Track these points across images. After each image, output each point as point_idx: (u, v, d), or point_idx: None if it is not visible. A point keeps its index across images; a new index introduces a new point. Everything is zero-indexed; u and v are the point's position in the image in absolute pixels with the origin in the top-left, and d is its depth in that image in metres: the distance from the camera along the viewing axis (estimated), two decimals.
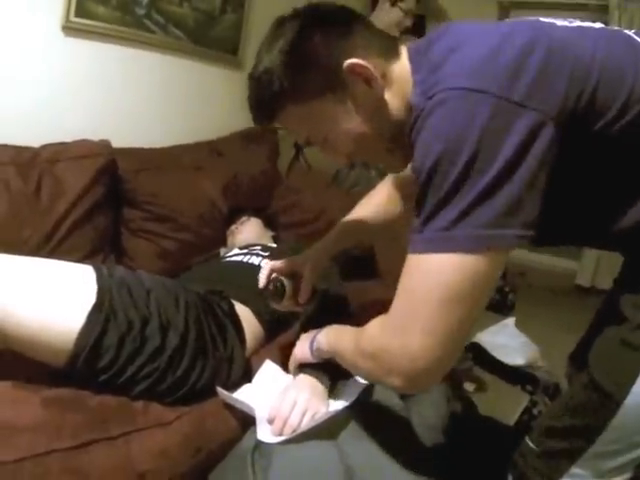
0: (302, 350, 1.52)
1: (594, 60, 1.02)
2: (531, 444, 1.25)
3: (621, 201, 1.08)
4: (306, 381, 1.51)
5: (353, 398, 1.46)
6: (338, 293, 1.89)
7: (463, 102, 0.96)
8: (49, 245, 2.24)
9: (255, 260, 2.17)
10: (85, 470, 1.26)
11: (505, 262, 1.01)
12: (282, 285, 1.55)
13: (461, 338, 1.04)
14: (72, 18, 2.63)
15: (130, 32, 2.93)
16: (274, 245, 2.46)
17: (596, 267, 5.02)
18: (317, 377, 1.52)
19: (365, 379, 1.37)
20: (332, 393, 1.53)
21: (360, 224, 1.70)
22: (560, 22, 1.12)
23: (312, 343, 1.47)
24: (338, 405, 1.44)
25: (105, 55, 2.86)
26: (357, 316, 1.81)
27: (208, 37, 3.34)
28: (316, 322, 1.55)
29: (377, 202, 1.71)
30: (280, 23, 1.20)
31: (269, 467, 1.27)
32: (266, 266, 1.61)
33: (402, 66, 1.19)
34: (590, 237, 1.23)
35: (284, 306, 1.60)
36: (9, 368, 1.43)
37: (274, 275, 1.58)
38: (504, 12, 5.16)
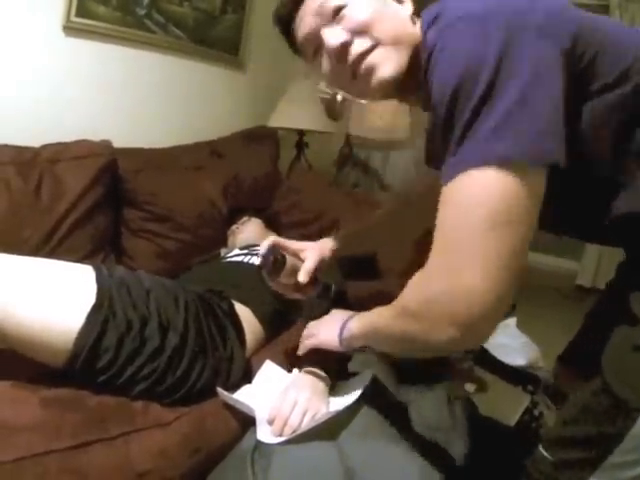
0: (329, 334, 1.43)
1: (599, 29, 0.99)
2: (545, 453, 1.23)
3: (612, 188, 1.04)
4: (307, 380, 1.50)
5: (354, 398, 1.45)
6: (342, 290, 1.89)
7: (476, 21, 0.92)
8: (49, 245, 2.25)
9: (256, 260, 2.15)
10: (84, 470, 1.26)
11: (544, 188, 0.92)
12: (283, 258, 1.50)
13: (515, 268, 0.92)
14: (73, 18, 2.65)
15: (131, 32, 2.94)
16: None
17: (597, 267, 5.02)
18: (318, 376, 1.52)
19: (408, 349, 1.18)
20: (333, 392, 1.52)
21: (375, 234, 1.67)
22: None
23: (342, 330, 1.37)
24: (339, 405, 1.44)
25: (106, 55, 2.86)
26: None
27: (209, 37, 3.35)
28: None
29: (387, 212, 1.68)
30: None
31: (269, 467, 1.27)
32: (270, 239, 1.57)
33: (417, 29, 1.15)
34: (587, 226, 1.17)
35: (280, 284, 1.55)
36: (8, 368, 1.43)
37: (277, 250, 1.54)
38: None
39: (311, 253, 1.55)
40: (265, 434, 1.37)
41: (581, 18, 0.98)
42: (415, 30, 1.13)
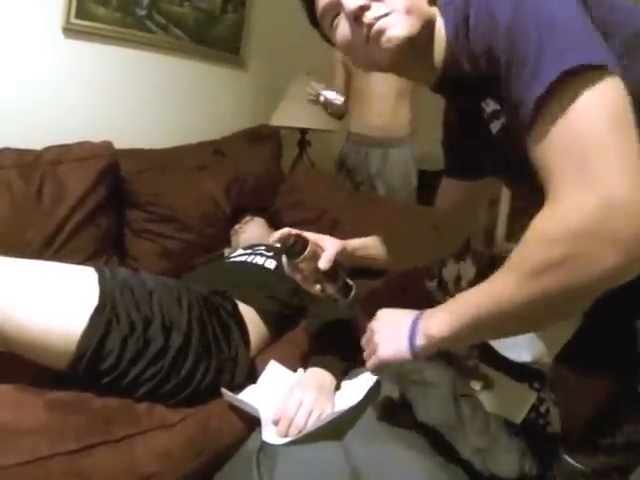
0: (394, 347, 1.15)
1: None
2: (574, 463, 1.21)
3: None
4: (312, 380, 1.50)
5: (360, 397, 1.45)
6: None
7: None
8: (52, 247, 2.24)
9: (259, 260, 2.15)
10: (88, 473, 1.25)
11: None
12: (304, 241, 1.43)
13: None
14: (72, 20, 2.65)
15: (131, 33, 2.94)
16: (278, 245, 2.45)
17: None
18: (323, 376, 1.51)
19: (551, 317, 0.93)
20: (338, 392, 1.52)
21: (394, 243, 1.59)
22: None
23: (413, 340, 1.11)
24: (344, 404, 1.43)
25: (106, 56, 2.87)
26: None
27: (209, 36, 3.34)
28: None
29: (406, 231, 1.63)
30: None
31: (274, 468, 1.26)
32: (286, 229, 1.49)
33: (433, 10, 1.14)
34: None
35: (299, 272, 1.45)
36: (12, 371, 1.43)
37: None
38: None
39: (331, 243, 1.49)
40: (270, 435, 1.36)
41: None
42: (430, 10, 1.12)
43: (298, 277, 1.47)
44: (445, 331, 1.04)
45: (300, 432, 1.35)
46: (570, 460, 1.24)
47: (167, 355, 1.47)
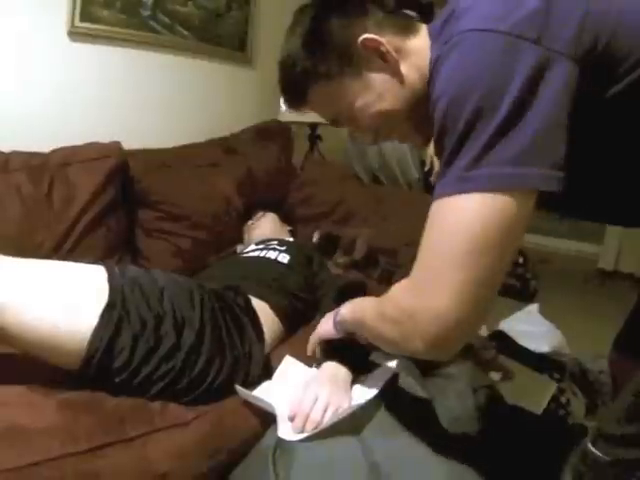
0: (325, 325, 1.52)
1: (610, 10, 0.97)
2: (598, 453, 1.19)
3: None
4: (328, 375, 1.48)
5: (376, 391, 1.42)
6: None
7: (470, 42, 0.94)
8: (63, 249, 2.25)
9: (272, 254, 2.14)
10: (102, 473, 1.23)
11: (532, 210, 0.94)
12: (337, 236, 1.51)
13: (489, 294, 0.96)
14: (77, 23, 2.67)
15: (136, 34, 2.95)
16: (291, 239, 2.43)
17: (619, 250, 4.95)
18: (339, 370, 1.49)
19: (387, 348, 1.24)
20: (354, 386, 1.49)
21: None
22: None
23: (336, 315, 1.45)
24: (361, 399, 1.41)
25: (112, 58, 2.88)
26: None
27: (215, 35, 3.35)
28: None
29: None
30: (300, 10, 1.27)
31: (291, 465, 1.24)
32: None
33: (420, 41, 1.19)
34: (618, 210, 1.17)
35: (337, 262, 1.61)
36: (24, 371, 1.42)
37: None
38: None
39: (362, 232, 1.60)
40: (286, 431, 1.34)
41: (587, 2, 0.97)
42: (410, 74, 1.19)
43: (340, 272, 1.58)
44: (347, 318, 1.39)
45: (316, 427, 1.33)
46: (595, 451, 1.21)
47: (179, 353, 1.45)
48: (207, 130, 3.21)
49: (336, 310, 1.46)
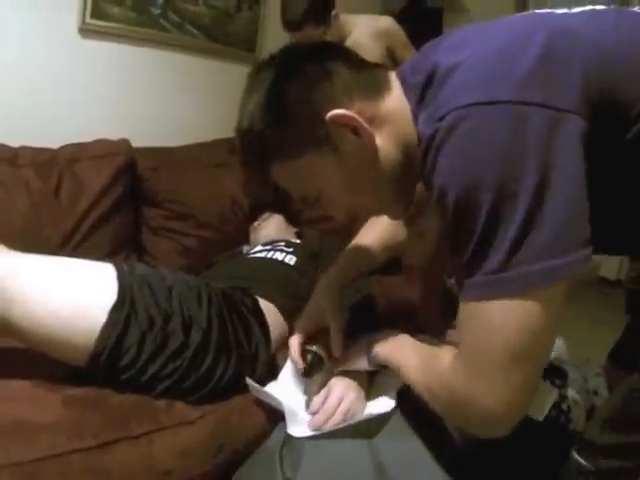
0: (357, 361, 1.40)
1: (611, 46, 0.91)
2: (583, 462, 1.19)
3: None
4: (350, 382, 1.46)
5: (393, 405, 1.40)
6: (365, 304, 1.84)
7: (473, 122, 0.86)
8: (70, 245, 2.26)
9: (279, 256, 2.13)
10: (107, 470, 1.24)
11: (565, 291, 0.89)
12: (316, 356, 1.42)
13: (533, 389, 0.94)
14: (88, 20, 2.68)
15: (146, 32, 2.96)
16: (298, 241, 2.42)
17: (621, 259, 4.92)
18: (359, 378, 1.47)
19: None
20: (370, 393, 1.48)
21: (366, 253, 1.56)
22: (559, 11, 1.03)
23: (369, 355, 1.36)
24: (376, 409, 1.39)
25: (122, 55, 2.89)
26: (382, 313, 1.82)
27: (225, 35, 3.34)
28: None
29: (380, 228, 1.57)
30: (256, 71, 1.13)
31: (298, 464, 1.23)
32: (293, 344, 1.44)
33: (394, 99, 1.10)
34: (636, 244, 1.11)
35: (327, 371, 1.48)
36: (30, 367, 1.42)
37: (305, 347, 1.44)
38: (521, 2, 5.05)
39: (330, 318, 1.43)
40: (296, 429, 1.33)
41: (585, 44, 0.91)
42: (383, 145, 1.09)
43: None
44: (382, 359, 1.32)
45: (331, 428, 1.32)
46: (579, 458, 1.22)
47: (186, 351, 1.45)
48: (215, 129, 3.21)
49: (368, 347, 1.37)
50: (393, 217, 1.32)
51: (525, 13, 1.06)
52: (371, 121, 1.06)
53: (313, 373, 1.42)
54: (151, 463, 1.29)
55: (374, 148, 1.08)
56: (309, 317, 1.48)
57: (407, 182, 1.14)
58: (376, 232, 1.57)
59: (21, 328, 1.33)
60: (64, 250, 2.21)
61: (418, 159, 1.00)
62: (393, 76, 1.13)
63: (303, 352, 1.42)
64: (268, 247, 2.26)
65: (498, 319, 0.87)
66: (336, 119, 1.03)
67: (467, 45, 0.96)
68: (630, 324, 1.36)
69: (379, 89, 1.09)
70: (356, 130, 1.05)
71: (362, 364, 1.39)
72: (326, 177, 1.11)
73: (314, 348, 1.42)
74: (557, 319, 0.90)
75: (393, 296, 2.06)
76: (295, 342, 1.42)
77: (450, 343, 1.09)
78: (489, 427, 0.96)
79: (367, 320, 1.65)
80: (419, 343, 1.22)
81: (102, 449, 1.25)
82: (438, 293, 2.46)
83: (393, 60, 3.17)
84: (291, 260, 2.10)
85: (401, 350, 1.26)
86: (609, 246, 1.06)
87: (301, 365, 1.40)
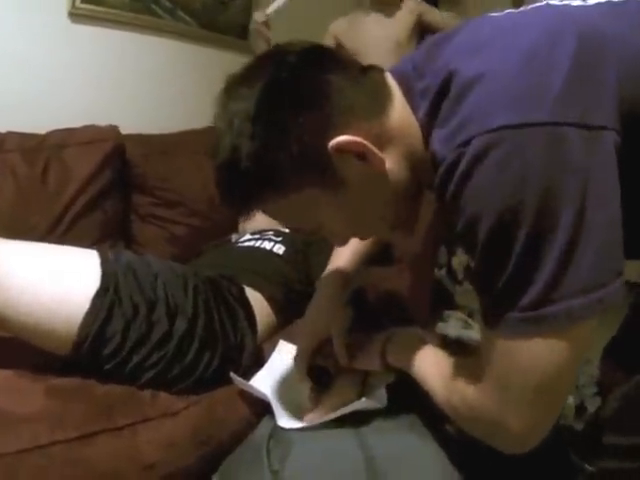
0: (369, 361, 1.32)
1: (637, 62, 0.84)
2: (583, 464, 1.17)
3: None
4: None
5: (385, 402, 1.37)
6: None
7: (507, 148, 0.77)
8: (57, 232, 2.24)
9: (267, 245, 2.11)
10: (90, 461, 1.21)
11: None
12: (322, 371, 1.38)
13: (560, 407, 0.92)
14: (78, 4, 2.64)
15: (137, 17, 2.92)
16: (287, 230, 2.40)
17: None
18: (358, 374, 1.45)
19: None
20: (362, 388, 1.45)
21: (360, 247, 1.48)
22: (575, 3, 0.93)
23: (383, 355, 1.28)
24: (366, 404, 1.36)
25: (112, 41, 2.85)
26: (373, 304, 1.78)
27: (218, 22, 3.32)
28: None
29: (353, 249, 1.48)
30: (234, 87, 0.98)
31: (286, 456, 1.21)
32: (299, 363, 1.36)
33: (398, 110, 0.99)
34: None
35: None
36: (13, 356, 1.40)
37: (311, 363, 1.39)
38: None
39: (333, 329, 1.35)
40: (284, 420, 1.31)
41: (616, 47, 0.83)
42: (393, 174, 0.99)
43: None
44: (393, 362, 1.25)
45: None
46: (578, 460, 1.21)
47: (171, 340, 1.43)
48: (206, 117, 3.17)
49: (380, 347, 1.29)
50: (394, 240, 1.26)
51: (539, 5, 0.94)
52: (378, 142, 0.95)
53: (322, 388, 1.37)
54: (135, 455, 1.27)
55: (384, 174, 0.98)
56: (311, 329, 1.38)
57: (416, 204, 1.09)
58: (350, 254, 1.50)
59: (4, 316, 1.30)
60: (51, 237, 2.18)
61: (428, 177, 0.94)
62: (390, 79, 1.02)
63: (310, 369, 1.37)
64: (257, 236, 2.24)
65: (532, 356, 0.83)
66: (341, 146, 0.91)
67: (486, 49, 0.86)
68: (629, 320, 1.34)
69: (382, 101, 0.98)
70: (363, 156, 0.94)
71: (373, 365, 1.32)
72: (328, 211, 1.00)
73: (320, 362, 1.38)
74: (587, 348, 0.87)
75: (384, 287, 2.04)
76: (300, 365, 1.35)
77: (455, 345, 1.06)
78: (512, 447, 0.94)
79: (359, 312, 1.62)
80: (435, 348, 1.16)
81: (85, 440, 1.23)
82: (428, 285, 2.45)
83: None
84: (280, 249, 2.08)
85: (418, 355, 1.17)
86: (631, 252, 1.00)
87: (310, 383, 1.37)
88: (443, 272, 3.50)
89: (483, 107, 0.80)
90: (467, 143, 0.80)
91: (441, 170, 0.86)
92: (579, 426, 1.71)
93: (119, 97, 2.92)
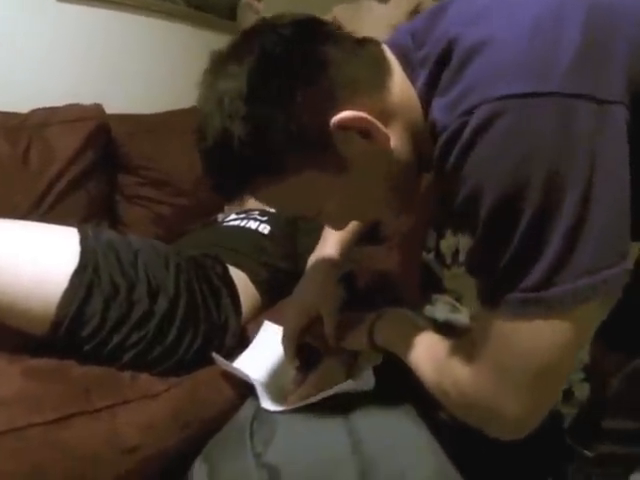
0: (356, 340, 1.28)
1: None
2: (581, 449, 1.15)
3: None
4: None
5: (372, 383, 1.34)
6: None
7: (513, 118, 0.73)
8: (39, 211, 2.19)
9: (253, 224, 2.08)
10: (68, 444, 1.18)
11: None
12: (311, 350, 1.35)
13: (559, 392, 0.92)
14: None
15: None
16: (273, 210, 2.38)
17: None
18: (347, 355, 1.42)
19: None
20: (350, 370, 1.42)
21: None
22: None
23: (371, 335, 1.24)
24: (354, 385, 1.33)
25: (98, 19, 2.79)
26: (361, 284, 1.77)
27: (205, 2, 3.28)
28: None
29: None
30: (221, 64, 0.91)
31: (270, 439, 1.18)
32: (287, 342, 1.32)
33: (398, 82, 0.93)
34: None
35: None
36: None
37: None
38: None
39: (324, 309, 1.31)
40: (269, 403, 1.28)
41: (625, 34, 0.78)
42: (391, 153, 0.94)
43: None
44: (381, 344, 1.22)
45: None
46: (575, 445, 1.19)
47: (152, 320, 1.40)
48: (193, 98, 3.14)
49: (368, 325, 1.25)
50: (387, 219, 1.24)
51: None
52: (381, 118, 0.89)
53: (310, 368, 1.34)
54: (114, 438, 1.23)
55: (388, 151, 0.92)
56: (301, 307, 1.33)
57: (417, 182, 1.05)
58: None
59: None
60: (33, 217, 2.12)
61: (428, 151, 0.90)
62: (388, 51, 0.96)
63: (298, 349, 1.33)
64: (242, 215, 2.21)
65: (533, 339, 0.80)
66: (345, 123, 0.85)
67: (490, 17, 0.81)
68: (621, 303, 1.32)
69: (382, 74, 0.92)
70: (367, 133, 0.88)
71: (360, 344, 1.29)
72: (328, 194, 0.95)
73: (310, 341, 1.35)
74: (590, 330, 0.84)
75: (374, 267, 2.02)
76: (289, 344, 1.31)
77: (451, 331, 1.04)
78: (508, 433, 0.91)
79: (350, 293, 1.59)
80: (426, 329, 1.12)
81: (62, 423, 1.20)
82: (417, 266, 2.44)
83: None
84: (265, 229, 2.05)
85: (408, 336, 1.14)
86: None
87: (297, 363, 1.34)
88: (431, 256, 3.51)
89: (488, 75, 0.76)
90: (470, 112, 0.76)
91: (441, 140, 0.82)
92: (567, 410, 1.70)
93: (106, 77, 2.87)
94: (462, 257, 3.61)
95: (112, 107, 2.57)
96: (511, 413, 0.85)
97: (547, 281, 0.74)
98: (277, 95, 0.84)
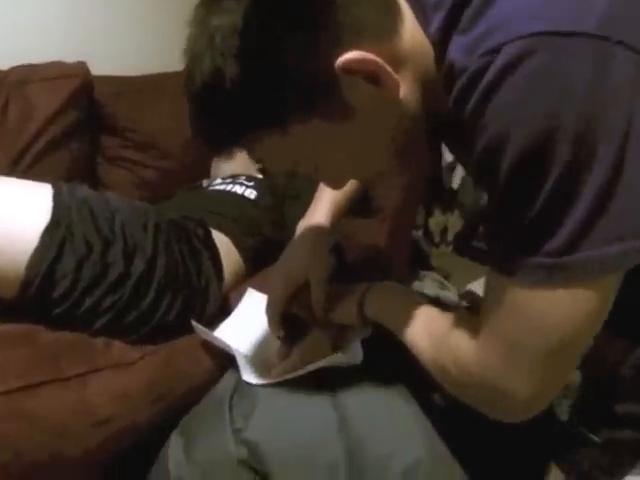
0: (345, 312, 1.22)
1: None
2: (589, 434, 1.11)
3: None
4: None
5: (360, 358, 1.27)
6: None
7: (544, 57, 0.65)
8: (17, 170, 2.13)
9: (239, 189, 2.03)
10: (35, 415, 1.13)
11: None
12: (296, 320, 1.29)
13: (572, 372, 0.87)
14: None
15: None
16: (260, 176, 2.31)
17: None
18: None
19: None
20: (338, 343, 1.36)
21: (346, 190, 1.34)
22: None
23: (361, 307, 1.18)
24: (341, 359, 1.27)
25: None
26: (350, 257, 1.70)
27: None
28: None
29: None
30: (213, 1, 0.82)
31: (251, 413, 1.12)
32: (272, 311, 1.26)
33: (409, 27, 0.83)
34: None
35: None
36: None
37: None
38: None
39: (312, 278, 1.25)
40: (250, 374, 1.22)
41: None
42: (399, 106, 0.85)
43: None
44: (371, 316, 1.16)
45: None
46: (584, 430, 1.15)
47: (128, 282, 1.33)
48: (182, 60, 3.06)
49: (358, 298, 1.19)
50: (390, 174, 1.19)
51: None
52: (391, 64, 0.79)
53: (295, 339, 1.28)
54: (84, 408, 1.18)
55: (396, 100, 0.83)
56: (288, 274, 1.26)
57: (420, 141, 0.96)
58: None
59: None
60: (11, 176, 2.05)
61: (438, 108, 0.83)
62: None
63: (283, 318, 1.27)
64: (228, 180, 2.16)
65: (552, 310, 0.74)
66: (351, 65, 0.75)
67: None
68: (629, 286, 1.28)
69: (393, 18, 0.82)
70: (376, 78, 0.78)
71: (349, 316, 1.23)
72: (329, 145, 0.86)
73: (296, 311, 1.28)
74: (611, 304, 0.76)
75: (361, 240, 1.97)
76: (274, 312, 1.25)
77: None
78: (514, 414, 0.86)
79: (340, 264, 1.53)
80: (421, 301, 1.08)
81: (28, 392, 1.14)
82: (407, 240, 2.40)
83: None
84: (251, 194, 2.01)
85: (401, 309, 1.09)
86: None
87: (281, 334, 1.28)
88: (420, 233, 3.50)
89: (518, 11, 0.68)
90: (496, 50, 0.67)
91: (461, 82, 0.73)
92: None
93: (90, 35, 2.79)
94: (450, 236, 3.60)
95: (98, 68, 2.50)
96: (521, 393, 0.80)
97: (572, 246, 0.68)
98: (277, 31, 0.75)
